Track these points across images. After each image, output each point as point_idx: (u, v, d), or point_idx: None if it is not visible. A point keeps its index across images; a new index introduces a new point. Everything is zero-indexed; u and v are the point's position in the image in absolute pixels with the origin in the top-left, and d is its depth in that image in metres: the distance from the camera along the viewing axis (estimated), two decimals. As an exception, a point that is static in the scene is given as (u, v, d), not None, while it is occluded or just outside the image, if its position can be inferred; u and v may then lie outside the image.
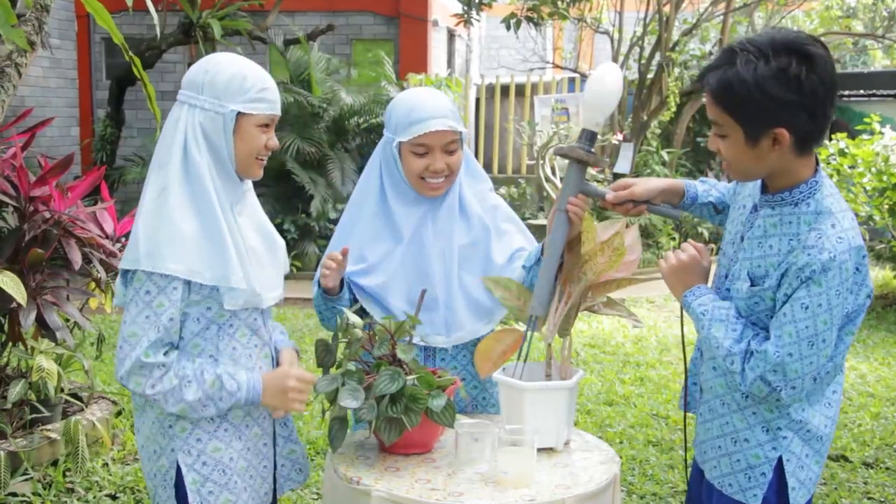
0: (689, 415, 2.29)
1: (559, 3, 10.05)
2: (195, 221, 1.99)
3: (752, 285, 1.98)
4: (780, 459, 2.00)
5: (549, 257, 2.25)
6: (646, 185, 2.25)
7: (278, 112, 2.10)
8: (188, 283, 1.98)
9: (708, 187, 2.33)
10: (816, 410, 2.01)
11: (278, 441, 2.23)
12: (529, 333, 2.28)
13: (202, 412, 2.02)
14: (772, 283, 1.94)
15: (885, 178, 7.97)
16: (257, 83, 2.04)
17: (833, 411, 2.05)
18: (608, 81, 2.21)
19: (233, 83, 2.02)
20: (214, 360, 2.06)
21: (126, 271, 2.01)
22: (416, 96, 2.41)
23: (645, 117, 10.78)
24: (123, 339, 1.99)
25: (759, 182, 2.06)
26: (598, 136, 2.29)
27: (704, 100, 1.98)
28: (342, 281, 2.41)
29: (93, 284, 4.27)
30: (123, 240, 4.39)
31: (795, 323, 1.90)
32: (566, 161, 2.26)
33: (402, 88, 11.14)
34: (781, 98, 1.84)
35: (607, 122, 11.21)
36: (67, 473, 3.97)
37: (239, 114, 2.02)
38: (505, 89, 11.92)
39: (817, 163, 1.98)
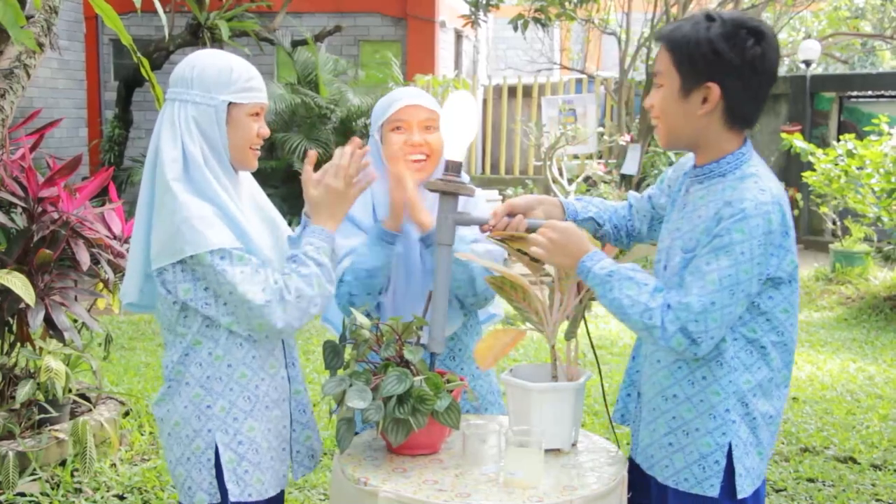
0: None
1: (566, 4, 10.05)
2: (208, 206, 2.03)
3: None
4: (729, 445, 1.98)
5: (439, 293, 2.25)
6: (520, 199, 2.25)
7: (266, 100, 2.17)
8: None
9: (585, 203, 2.34)
10: (765, 398, 1.99)
11: (295, 427, 2.25)
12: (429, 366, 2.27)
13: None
14: (701, 250, 1.92)
15: (893, 179, 7.94)
16: (244, 73, 2.11)
17: (780, 403, 2.03)
18: (461, 115, 2.26)
19: (221, 76, 2.08)
20: (239, 344, 2.10)
21: (163, 270, 2.03)
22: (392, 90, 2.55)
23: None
24: (240, 299, 1.99)
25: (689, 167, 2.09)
26: (461, 165, 2.29)
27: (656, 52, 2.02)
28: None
29: (101, 285, 4.28)
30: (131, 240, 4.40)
31: (719, 270, 1.87)
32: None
33: (410, 89, 11.16)
34: (723, 54, 1.90)
35: (615, 124, 11.21)
36: (75, 473, 3.98)
37: (230, 104, 2.09)
38: (512, 90, 11.91)
39: (746, 141, 2.00)
